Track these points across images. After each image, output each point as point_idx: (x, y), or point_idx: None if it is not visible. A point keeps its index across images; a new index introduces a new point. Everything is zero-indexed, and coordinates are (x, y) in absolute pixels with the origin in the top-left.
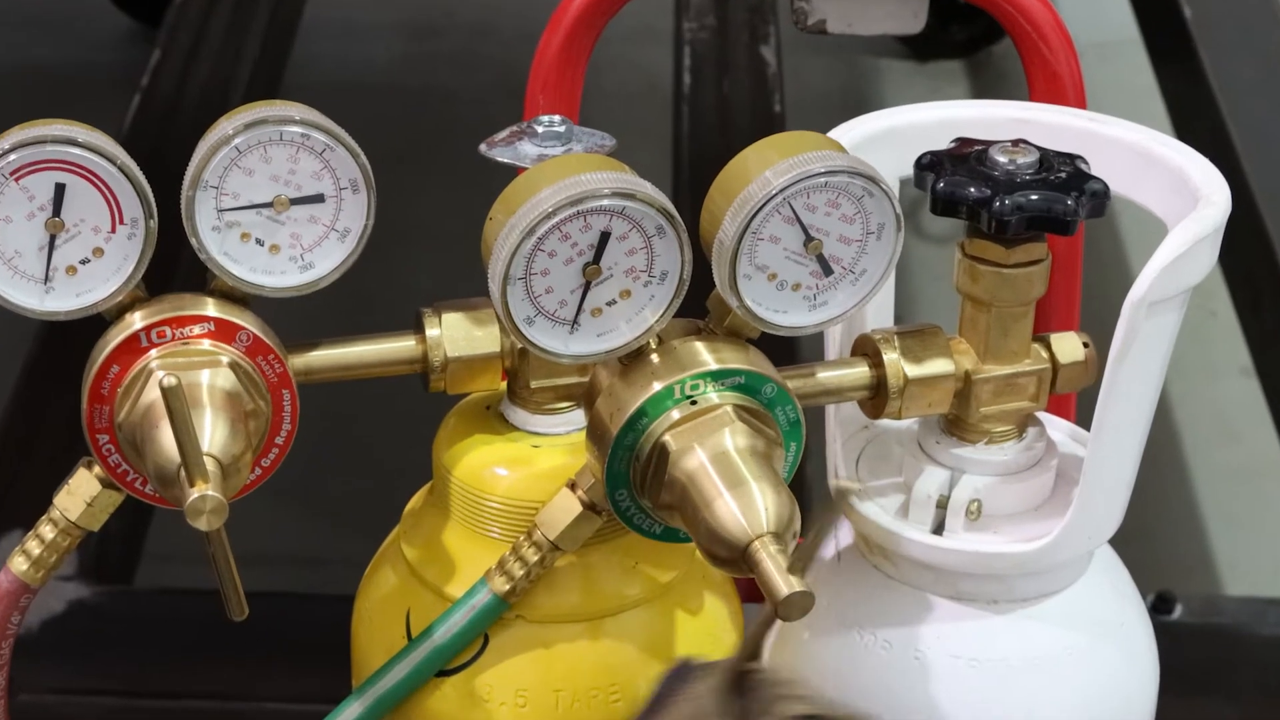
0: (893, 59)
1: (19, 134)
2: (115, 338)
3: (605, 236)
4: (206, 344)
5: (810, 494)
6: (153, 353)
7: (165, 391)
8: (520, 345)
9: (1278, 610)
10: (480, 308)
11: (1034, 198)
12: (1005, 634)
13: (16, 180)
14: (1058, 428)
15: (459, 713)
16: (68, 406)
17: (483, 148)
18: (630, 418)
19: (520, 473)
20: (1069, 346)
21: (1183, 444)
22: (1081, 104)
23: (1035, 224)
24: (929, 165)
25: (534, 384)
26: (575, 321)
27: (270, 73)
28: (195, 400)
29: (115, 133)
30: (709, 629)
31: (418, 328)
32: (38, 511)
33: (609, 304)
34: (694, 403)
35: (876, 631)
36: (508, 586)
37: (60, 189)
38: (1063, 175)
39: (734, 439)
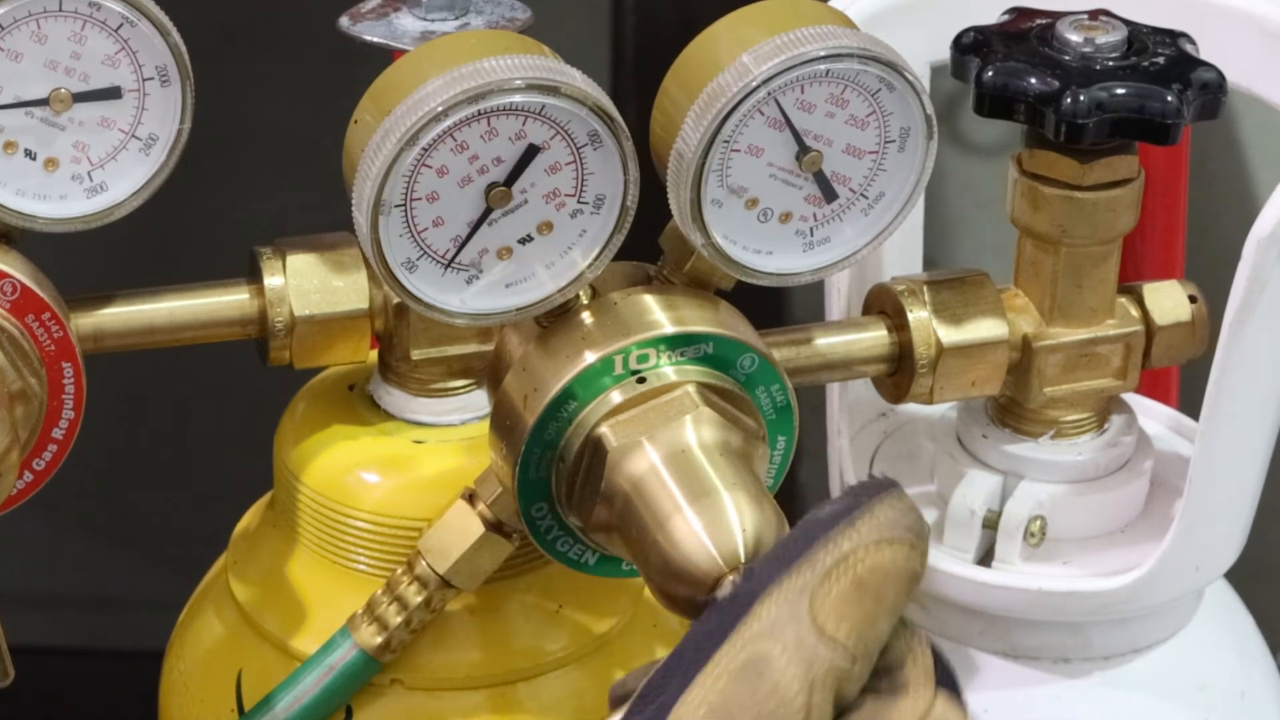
0: None
1: None
2: None
3: (526, 148)
4: None
5: (805, 508)
6: None
7: None
8: (397, 300)
9: None
10: (340, 247)
11: (1120, 92)
12: (1079, 705)
13: None
14: (1154, 416)
15: None
16: None
17: (344, 21)
18: (552, 402)
19: (396, 479)
20: (1169, 302)
21: None
22: None
23: (1122, 129)
24: (973, 46)
25: (416, 355)
26: (475, 266)
27: None
28: None
29: None
30: None
31: (253, 275)
32: None
33: (523, 242)
34: (642, 380)
35: None
36: (380, 639)
37: None
38: (1160, 61)
39: (698, 432)
